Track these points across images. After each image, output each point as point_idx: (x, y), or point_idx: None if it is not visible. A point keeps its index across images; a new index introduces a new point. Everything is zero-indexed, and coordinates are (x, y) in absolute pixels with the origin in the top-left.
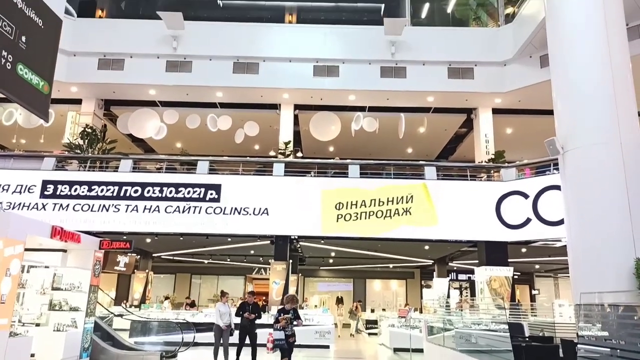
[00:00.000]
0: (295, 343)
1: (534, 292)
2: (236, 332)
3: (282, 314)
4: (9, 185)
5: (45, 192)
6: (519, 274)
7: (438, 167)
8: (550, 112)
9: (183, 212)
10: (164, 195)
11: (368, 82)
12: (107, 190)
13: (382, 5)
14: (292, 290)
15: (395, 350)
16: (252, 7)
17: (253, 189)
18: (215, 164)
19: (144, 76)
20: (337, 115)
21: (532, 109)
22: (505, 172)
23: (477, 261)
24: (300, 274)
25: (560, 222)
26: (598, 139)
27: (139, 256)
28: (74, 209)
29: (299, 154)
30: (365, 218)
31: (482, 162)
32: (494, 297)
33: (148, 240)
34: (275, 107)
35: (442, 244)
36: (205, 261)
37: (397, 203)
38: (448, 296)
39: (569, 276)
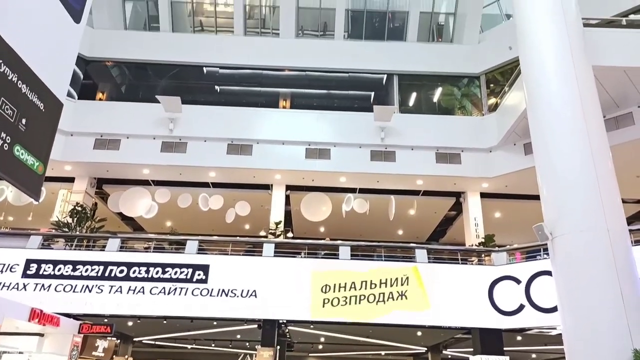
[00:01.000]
0: None
1: None
2: None
3: None
4: None
5: (28, 272)
6: None
7: (429, 249)
8: (537, 197)
9: (168, 293)
10: (150, 275)
11: (358, 165)
12: (92, 270)
13: (372, 94)
14: None
15: None
16: (248, 93)
17: (242, 270)
18: (205, 244)
19: (139, 156)
20: (328, 196)
21: (519, 194)
22: (496, 256)
23: (472, 349)
24: None
25: (554, 309)
26: (585, 225)
27: (119, 340)
28: (55, 289)
29: (290, 234)
30: (356, 303)
31: (472, 245)
32: None
33: (130, 323)
34: (267, 187)
35: (435, 330)
36: (189, 346)
37: (392, 286)
38: None
39: None
